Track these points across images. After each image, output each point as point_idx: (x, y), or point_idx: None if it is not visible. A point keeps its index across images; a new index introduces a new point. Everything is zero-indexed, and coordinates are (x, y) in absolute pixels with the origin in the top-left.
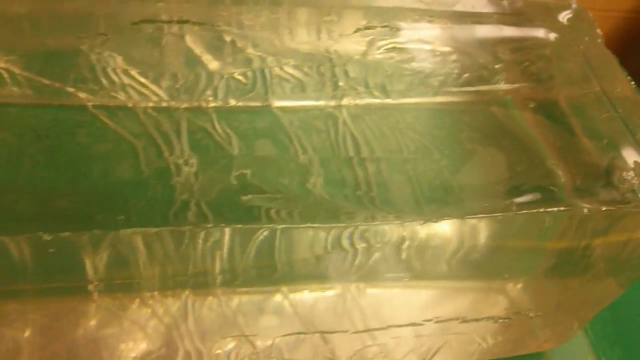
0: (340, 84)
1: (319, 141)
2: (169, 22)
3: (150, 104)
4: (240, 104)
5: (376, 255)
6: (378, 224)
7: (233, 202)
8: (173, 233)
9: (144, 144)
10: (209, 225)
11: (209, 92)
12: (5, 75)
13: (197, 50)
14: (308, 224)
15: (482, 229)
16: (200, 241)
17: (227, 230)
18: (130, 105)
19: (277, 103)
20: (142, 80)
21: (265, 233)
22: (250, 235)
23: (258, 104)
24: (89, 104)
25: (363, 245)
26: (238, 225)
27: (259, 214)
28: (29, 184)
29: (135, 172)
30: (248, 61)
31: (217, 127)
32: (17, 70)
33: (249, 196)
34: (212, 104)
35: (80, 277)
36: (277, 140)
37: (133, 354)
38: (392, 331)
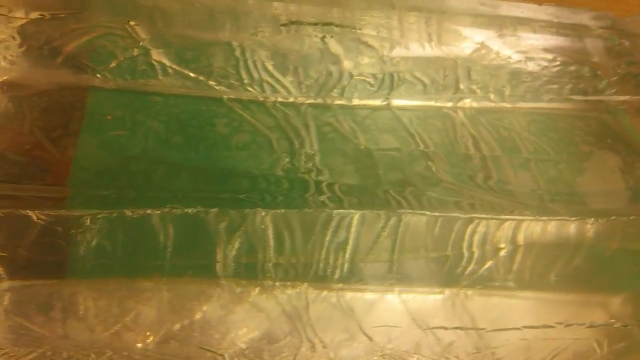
0: (461, 86)
1: (439, 138)
2: (314, 24)
3: (279, 99)
4: (363, 102)
5: (490, 263)
6: (512, 218)
7: (363, 188)
8: (306, 215)
9: (276, 136)
10: (340, 210)
11: (336, 91)
12: (158, 67)
13: (335, 50)
14: (437, 213)
15: (609, 231)
16: (331, 229)
17: (357, 216)
18: (261, 99)
19: (397, 102)
20: (278, 76)
21: (392, 221)
22: (379, 221)
23: (378, 102)
24: (225, 96)
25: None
26: (373, 211)
27: (386, 200)
28: (179, 165)
29: (273, 161)
30: (380, 64)
31: (342, 121)
32: (167, 63)
33: (382, 184)
34: (336, 102)
35: (211, 257)
36: (398, 136)
37: (258, 338)
38: (503, 335)
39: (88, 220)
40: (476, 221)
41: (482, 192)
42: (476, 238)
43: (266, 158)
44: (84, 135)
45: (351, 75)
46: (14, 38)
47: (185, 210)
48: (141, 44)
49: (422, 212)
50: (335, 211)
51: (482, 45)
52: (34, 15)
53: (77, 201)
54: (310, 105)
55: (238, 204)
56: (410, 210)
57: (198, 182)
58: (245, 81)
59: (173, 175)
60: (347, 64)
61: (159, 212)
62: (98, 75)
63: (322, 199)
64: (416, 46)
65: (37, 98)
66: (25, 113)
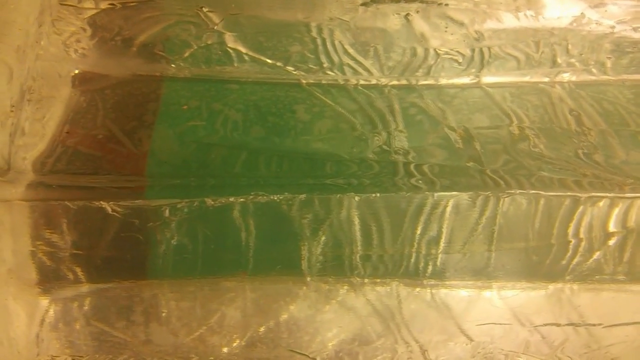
0: (559, 60)
1: (537, 115)
2: (397, 1)
3: (362, 81)
4: (451, 81)
5: (598, 254)
6: (624, 196)
7: (453, 165)
8: (396, 200)
9: (360, 120)
10: (435, 193)
11: (421, 71)
12: (233, 54)
13: (420, 28)
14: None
15: None
16: (424, 215)
17: (452, 201)
18: (342, 82)
19: (487, 80)
20: (360, 58)
21: (490, 205)
22: (476, 206)
23: (467, 81)
24: (303, 81)
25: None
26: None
27: (483, 181)
28: (259, 152)
29: (358, 143)
30: (469, 39)
31: (429, 102)
32: (243, 50)
33: (471, 163)
34: (421, 82)
35: (296, 252)
36: (492, 115)
37: (349, 340)
38: (617, 332)
39: (167, 212)
40: (584, 201)
41: (589, 167)
42: (584, 221)
43: (351, 141)
44: (160, 126)
45: (437, 54)
46: (84, 30)
47: (270, 197)
48: (215, 29)
49: (523, 191)
50: (429, 193)
51: (581, 14)
52: (104, 5)
53: (155, 190)
54: (394, 87)
55: (324, 190)
56: (511, 191)
57: (281, 169)
58: (325, 65)
59: (254, 163)
60: (433, 42)
61: (242, 199)
62: (172, 65)
63: (413, 182)
64: (507, 18)
65: (110, 91)
66: (98, 106)
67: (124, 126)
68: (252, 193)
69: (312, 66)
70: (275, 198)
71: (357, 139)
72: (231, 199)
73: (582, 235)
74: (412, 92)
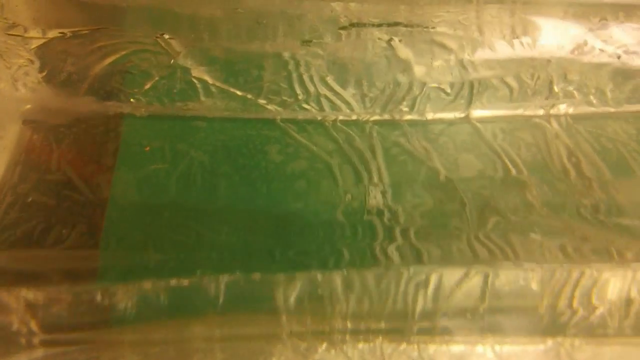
0: (556, 89)
1: (529, 155)
2: (379, 25)
3: (341, 117)
4: (437, 115)
5: (601, 310)
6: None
7: (439, 225)
8: (377, 273)
9: (338, 161)
10: (417, 266)
11: (405, 104)
12: (198, 85)
13: (404, 55)
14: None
15: None
16: (405, 284)
17: (437, 275)
18: (319, 118)
19: (477, 113)
20: (338, 89)
21: (481, 275)
22: (467, 277)
23: (456, 115)
24: (278, 117)
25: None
26: (458, 267)
27: (472, 248)
28: (227, 207)
29: (334, 193)
30: (458, 67)
31: (414, 141)
32: (210, 80)
33: (467, 226)
34: (406, 117)
35: (272, 316)
36: (481, 155)
37: None
38: None
39: (125, 292)
40: (585, 272)
41: (591, 227)
42: (580, 292)
43: (327, 193)
44: (120, 171)
45: (423, 84)
46: (32, 62)
47: (238, 274)
48: (178, 60)
49: (518, 264)
50: (411, 268)
51: (580, 39)
52: (53, 33)
53: (112, 268)
54: (375, 122)
55: (298, 263)
56: (505, 262)
57: (251, 234)
58: (300, 97)
59: (222, 224)
60: (418, 71)
61: (209, 278)
62: (131, 99)
63: (394, 249)
64: (500, 45)
65: (65, 129)
66: (52, 147)
67: (81, 170)
68: (220, 273)
69: (286, 98)
70: (242, 278)
71: (333, 189)
72: (196, 279)
73: (576, 306)
74: (396, 129)
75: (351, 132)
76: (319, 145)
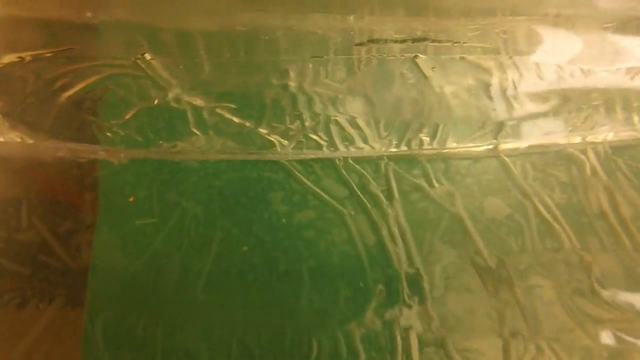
0: (595, 117)
1: (563, 198)
2: (402, 41)
3: (353, 152)
4: (462, 147)
5: None
6: None
7: (476, 321)
8: None
9: (350, 210)
10: None
11: (425, 131)
12: (189, 113)
13: (430, 74)
14: None
15: None
16: None
17: None
18: (327, 153)
19: (506, 145)
20: (350, 112)
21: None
22: None
23: (482, 147)
24: (281, 156)
25: None
26: None
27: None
28: (225, 271)
29: (349, 249)
30: (489, 87)
31: (434, 182)
32: (202, 104)
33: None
34: (425, 150)
35: None
36: (509, 198)
37: None
38: None
39: None
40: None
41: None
42: None
43: (340, 244)
44: (102, 229)
45: (449, 108)
46: None
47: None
48: (162, 84)
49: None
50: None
51: (626, 54)
52: (9, 58)
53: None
54: (391, 158)
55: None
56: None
57: (250, 316)
58: (307, 124)
59: (219, 292)
60: (442, 91)
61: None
62: (108, 133)
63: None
64: (545, 69)
65: (33, 174)
66: (20, 198)
67: (56, 228)
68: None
69: (290, 126)
70: None
71: (347, 241)
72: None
73: None
74: (415, 167)
75: (365, 173)
76: (329, 190)
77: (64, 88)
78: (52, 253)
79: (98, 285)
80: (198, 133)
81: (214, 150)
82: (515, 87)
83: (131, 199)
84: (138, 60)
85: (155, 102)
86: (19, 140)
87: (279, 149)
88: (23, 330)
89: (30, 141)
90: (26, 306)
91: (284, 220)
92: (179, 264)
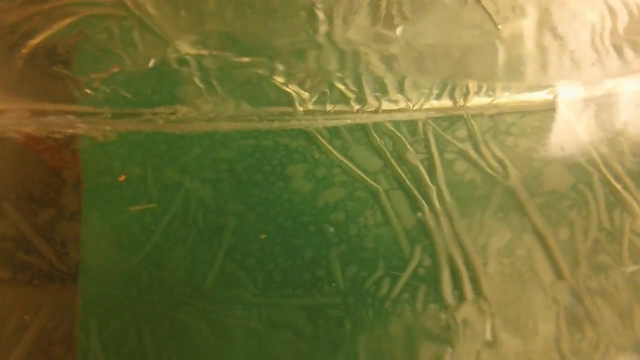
0: None
1: (636, 163)
2: None
3: (385, 105)
4: (518, 97)
5: None
6: None
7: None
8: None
9: (385, 186)
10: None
11: (473, 80)
12: (193, 67)
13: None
14: None
15: None
16: None
17: None
18: (355, 108)
19: (565, 92)
20: (383, 52)
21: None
22: None
23: (541, 96)
24: (300, 109)
25: None
26: None
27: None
28: (240, 264)
29: (384, 231)
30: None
31: (481, 146)
32: (205, 52)
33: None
34: (475, 101)
35: None
36: (572, 167)
37: None
38: None
39: None
40: None
41: None
42: None
43: (372, 227)
44: (89, 218)
45: (503, 44)
46: None
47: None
48: (155, 28)
49: None
50: None
51: None
52: None
53: None
54: (431, 115)
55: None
56: None
57: (271, 314)
58: (333, 69)
59: (230, 303)
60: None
61: None
62: (88, 90)
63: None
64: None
65: None
66: None
67: (33, 218)
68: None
69: (311, 75)
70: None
71: (381, 222)
72: None
73: None
74: (459, 126)
75: (400, 136)
76: (359, 162)
77: (30, 34)
78: (32, 250)
79: (90, 288)
80: (202, 89)
81: (224, 117)
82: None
83: (121, 178)
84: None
85: (148, 51)
86: None
87: (297, 104)
88: (7, 348)
89: None
90: (8, 319)
91: (307, 202)
92: (185, 259)
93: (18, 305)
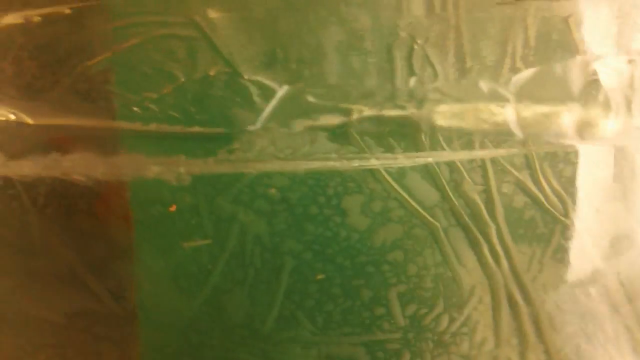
0: None
1: None
2: None
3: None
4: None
5: None
6: None
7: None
8: None
9: (443, 223)
10: None
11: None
12: (255, 94)
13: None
14: None
15: None
16: None
17: None
18: (426, 160)
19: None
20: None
21: None
22: None
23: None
24: (373, 159)
25: None
26: None
27: None
28: (299, 305)
29: (443, 271)
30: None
31: (540, 177)
32: (271, 86)
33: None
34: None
35: None
36: None
37: None
38: None
39: None
40: None
41: None
42: None
43: (430, 267)
44: (142, 256)
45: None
46: None
47: None
48: (226, 54)
49: None
50: None
51: None
52: (13, 18)
53: None
54: (492, 160)
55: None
56: None
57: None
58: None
59: (291, 344)
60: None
61: None
62: (134, 109)
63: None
64: None
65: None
66: (32, 217)
67: (83, 253)
68: None
69: (383, 100)
70: None
71: (440, 262)
72: None
73: None
74: (513, 163)
75: (456, 163)
76: (416, 193)
77: (88, 56)
78: (86, 290)
79: (150, 335)
80: (262, 126)
81: (299, 155)
82: None
83: (173, 208)
84: (197, 18)
85: (210, 72)
86: (13, 117)
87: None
88: None
89: (30, 121)
90: None
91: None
92: (244, 301)
93: (77, 354)
